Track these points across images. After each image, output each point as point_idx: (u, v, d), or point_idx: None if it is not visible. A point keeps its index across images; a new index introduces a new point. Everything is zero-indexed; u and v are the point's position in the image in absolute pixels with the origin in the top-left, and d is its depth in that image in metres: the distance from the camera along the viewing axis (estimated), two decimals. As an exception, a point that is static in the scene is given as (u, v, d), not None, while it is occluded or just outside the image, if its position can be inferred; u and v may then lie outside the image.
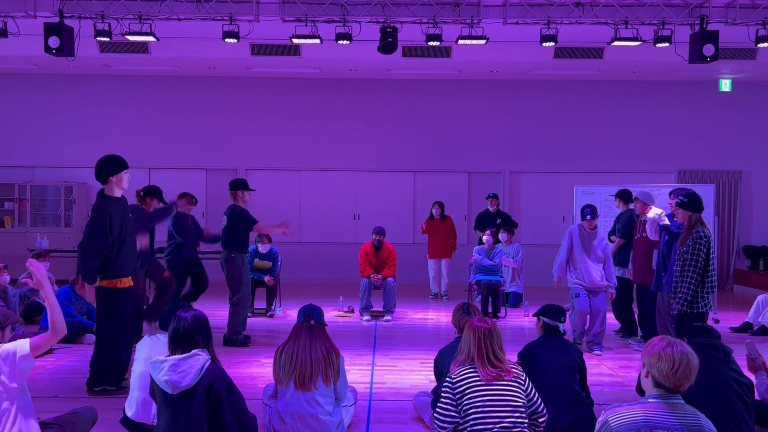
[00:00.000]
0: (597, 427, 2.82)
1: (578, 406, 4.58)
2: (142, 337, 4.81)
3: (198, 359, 3.49)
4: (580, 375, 4.70)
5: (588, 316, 7.21)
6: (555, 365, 4.60)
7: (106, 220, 5.41)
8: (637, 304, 7.81)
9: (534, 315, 5.00)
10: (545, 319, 4.84)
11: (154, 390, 3.59)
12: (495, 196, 11.01)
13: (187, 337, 3.56)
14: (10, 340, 3.66)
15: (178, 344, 3.56)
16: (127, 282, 5.62)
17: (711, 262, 5.49)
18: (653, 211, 7.13)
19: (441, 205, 10.88)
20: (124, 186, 5.61)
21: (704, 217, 5.68)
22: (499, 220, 10.59)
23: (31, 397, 3.62)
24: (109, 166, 5.55)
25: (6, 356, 3.46)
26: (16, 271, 8.95)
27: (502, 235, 10.11)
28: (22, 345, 3.49)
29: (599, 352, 7.14)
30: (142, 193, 7.35)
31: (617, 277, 8.18)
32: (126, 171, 5.62)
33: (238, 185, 7.61)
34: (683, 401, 2.76)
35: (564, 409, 4.49)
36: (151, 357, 3.68)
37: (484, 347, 3.85)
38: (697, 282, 5.43)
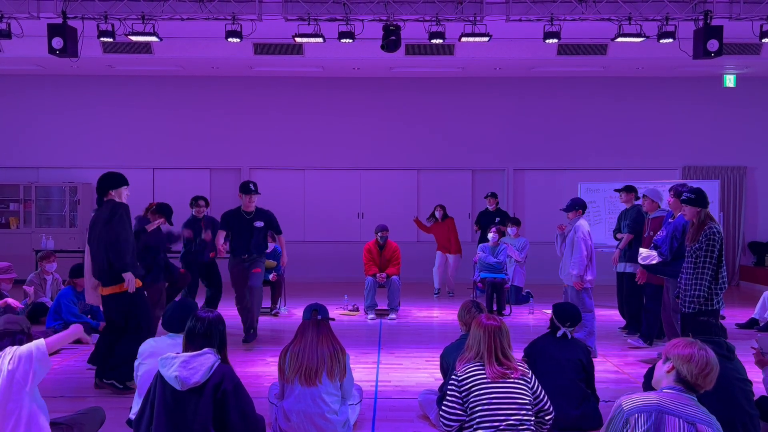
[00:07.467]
0: (612, 413, 2.86)
1: (583, 402, 4.58)
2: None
3: (208, 357, 3.49)
4: (586, 374, 4.69)
5: None
6: (559, 362, 4.60)
7: (123, 216, 5.48)
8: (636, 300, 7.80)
9: (553, 306, 4.99)
10: (553, 316, 4.85)
11: (156, 390, 3.53)
12: (494, 195, 11.05)
13: (202, 337, 3.55)
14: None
15: (193, 343, 3.55)
16: (139, 282, 5.67)
17: (722, 259, 5.45)
18: (643, 253, 6.69)
19: (443, 207, 10.94)
20: (123, 200, 5.67)
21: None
22: (497, 219, 10.64)
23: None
24: (109, 182, 5.62)
25: (21, 358, 3.47)
26: (22, 271, 8.99)
27: (512, 229, 10.12)
28: (39, 345, 3.51)
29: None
30: (154, 207, 7.24)
31: (627, 273, 8.12)
32: (125, 187, 5.69)
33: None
34: (697, 401, 2.81)
35: (569, 403, 4.49)
36: (155, 358, 3.66)
37: (494, 344, 3.85)
38: (712, 279, 5.38)
